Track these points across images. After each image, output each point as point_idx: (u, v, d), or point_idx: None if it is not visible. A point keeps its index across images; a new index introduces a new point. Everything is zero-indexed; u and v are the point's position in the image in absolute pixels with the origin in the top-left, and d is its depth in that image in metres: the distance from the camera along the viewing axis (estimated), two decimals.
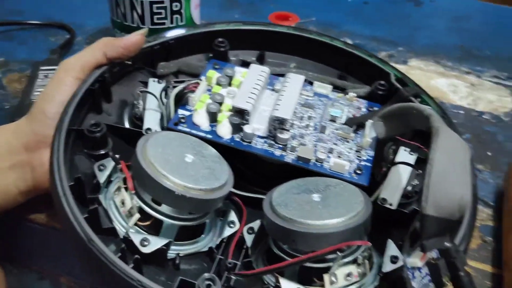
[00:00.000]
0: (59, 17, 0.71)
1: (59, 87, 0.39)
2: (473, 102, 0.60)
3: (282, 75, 0.45)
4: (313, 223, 0.32)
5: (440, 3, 0.86)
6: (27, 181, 0.39)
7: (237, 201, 0.39)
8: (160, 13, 0.56)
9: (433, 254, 0.29)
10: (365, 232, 0.33)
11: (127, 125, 0.43)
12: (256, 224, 0.37)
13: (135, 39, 0.42)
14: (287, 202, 0.34)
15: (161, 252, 0.33)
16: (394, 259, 0.33)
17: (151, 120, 0.41)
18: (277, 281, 0.32)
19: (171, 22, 0.57)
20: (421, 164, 0.37)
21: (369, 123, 0.40)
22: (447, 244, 0.28)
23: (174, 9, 0.56)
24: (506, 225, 0.41)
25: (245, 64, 0.48)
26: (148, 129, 0.40)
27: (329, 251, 0.31)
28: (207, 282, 0.31)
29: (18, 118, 0.45)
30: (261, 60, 0.49)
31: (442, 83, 0.63)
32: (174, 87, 0.42)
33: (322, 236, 0.32)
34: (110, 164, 0.37)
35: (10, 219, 0.42)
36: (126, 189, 0.35)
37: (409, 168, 0.38)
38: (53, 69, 0.55)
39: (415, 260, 0.30)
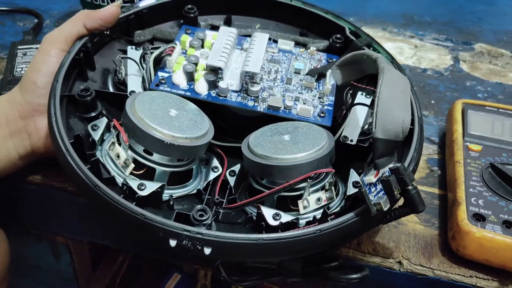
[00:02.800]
0: (23, 3, 0.73)
1: (46, 58, 0.42)
2: (417, 61, 0.66)
3: (249, 36, 0.49)
4: (286, 157, 0.37)
5: None
6: (25, 146, 0.42)
7: (217, 151, 0.44)
8: None
9: (386, 172, 0.34)
10: (330, 161, 0.38)
11: (111, 89, 0.46)
12: (236, 167, 0.42)
13: (111, 10, 0.44)
14: (262, 143, 0.39)
15: (156, 194, 0.37)
16: (356, 184, 0.39)
17: (133, 83, 0.44)
18: (259, 209, 0.36)
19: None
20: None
21: (328, 72, 0.44)
22: (397, 164, 0.34)
23: None
24: (448, 156, 0.48)
25: (214, 28, 0.51)
26: (132, 91, 0.43)
27: (301, 179, 0.36)
28: (200, 212, 0.35)
29: (4, 91, 0.48)
30: (228, 23, 0.52)
31: (389, 46, 0.69)
32: (152, 52, 0.45)
33: (294, 167, 0.36)
34: (102, 124, 0.40)
35: (7, 183, 0.44)
36: (120, 144, 0.38)
37: (366, 108, 0.43)
38: (29, 48, 0.57)
39: (370, 177, 0.35)
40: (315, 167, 0.37)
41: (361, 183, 0.37)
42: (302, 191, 0.37)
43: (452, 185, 0.44)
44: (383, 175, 0.34)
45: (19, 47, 0.57)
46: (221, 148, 0.44)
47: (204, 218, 0.35)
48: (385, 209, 0.33)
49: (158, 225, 0.32)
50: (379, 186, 0.34)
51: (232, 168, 0.42)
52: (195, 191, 0.41)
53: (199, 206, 0.36)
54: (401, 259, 0.40)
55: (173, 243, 0.32)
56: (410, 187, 0.33)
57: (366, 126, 0.42)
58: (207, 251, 0.32)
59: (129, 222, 0.33)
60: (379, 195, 0.34)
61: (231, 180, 0.41)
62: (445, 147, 0.50)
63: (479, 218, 0.40)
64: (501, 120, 0.49)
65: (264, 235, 0.33)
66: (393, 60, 0.46)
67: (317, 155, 0.37)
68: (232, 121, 0.46)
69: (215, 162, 0.43)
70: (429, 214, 0.44)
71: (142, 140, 0.37)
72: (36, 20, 0.68)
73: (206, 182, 0.41)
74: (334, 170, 0.38)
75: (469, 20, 0.77)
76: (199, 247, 0.32)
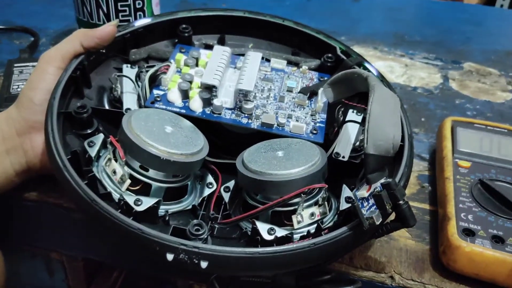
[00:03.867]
0: (20, 22, 0.74)
1: (43, 76, 0.42)
2: (408, 79, 0.68)
3: (242, 55, 0.50)
4: (280, 173, 0.38)
5: None
6: (21, 163, 0.43)
7: (212, 167, 0.44)
8: (124, 11, 0.60)
9: (378, 187, 0.35)
10: (322, 177, 0.39)
11: (107, 107, 0.46)
12: (231, 183, 0.43)
13: (108, 29, 0.45)
14: (256, 159, 0.39)
15: (153, 209, 0.37)
16: (348, 199, 0.40)
17: (129, 101, 0.45)
18: (254, 224, 0.37)
19: (135, 19, 0.60)
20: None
21: (320, 90, 0.45)
22: (388, 179, 0.34)
23: (137, 6, 0.59)
24: (438, 173, 0.49)
25: (208, 47, 0.52)
26: (128, 109, 0.44)
27: (295, 195, 0.37)
28: (196, 227, 0.36)
29: (0, 109, 0.48)
30: (222, 43, 0.53)
31: (380, 65, 0.70)
32: (147, 71, 0.46)
33: (288, 182, 0.37)
34: (98, 140, 0.41)
35: (1, 199, 0.44)
36: (116, 160, 0.39)
37: (357, 125, 0.44)
38: (26, 65, 0.58)
39: (363, 192, 0.36)
40: (308, 182, 0.37)
41: (353, 198, 0.37)
42: (296, 206, 0.38)
43: (442, 201, 0.45)
44: (375, 190, 0.35)
45: (15, 64, 0.58)
46: (215, 164, 0.44)
47: (200, 232, 0.36)
48: (378, 223, 0.34)
49: (155, 239, 0.33)
50: (371, 201, 0.35)
51: (226, 184, 0.43)
52: (190, 207, 0.41)
53: (195, 221, 0.37)
54: (393, 273, 0.41)
55: (170, 257, 0.33)
56: (401, 202, 0.34)
57: (358, 143, 0.43)
58: (204, 264, 0.33)
59: (126, 237, 0.34)
60: (371, 209, 0.34)
61: (226, 196, 0.42)
62: (435, 163, 0.51)
63: (468, 233, 0.40)
64: (490, 137, 0.50)
65: (260, 249, 0.33)
66: (382, 79, 0.47)
67: (310, 170, 0.38)
68: (227, 138, 0.47)
69: (210, 179, 0.43)
70: (420, 229, 0.45)
71: (139, 156, 0.38)
72: (32, 39, 0.69)
73: (201, 198, 0.42)
74: (327, 185, 0.39)
75: (458, 40, 0.79)
76: (196, 261, 0.32)
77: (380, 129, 0.36)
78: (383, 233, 0.35)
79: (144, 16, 0.61)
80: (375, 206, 0.34)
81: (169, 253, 0.33)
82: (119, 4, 0.59)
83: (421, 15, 0.90)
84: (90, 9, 0.59)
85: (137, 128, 0.38)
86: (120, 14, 0.60)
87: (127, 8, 0.60)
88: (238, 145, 0.43)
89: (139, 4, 0.60)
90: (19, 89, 0.55)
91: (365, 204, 0.35)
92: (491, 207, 0.43)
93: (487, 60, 0.73)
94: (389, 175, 0.38)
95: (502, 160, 0.47)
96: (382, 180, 0.35)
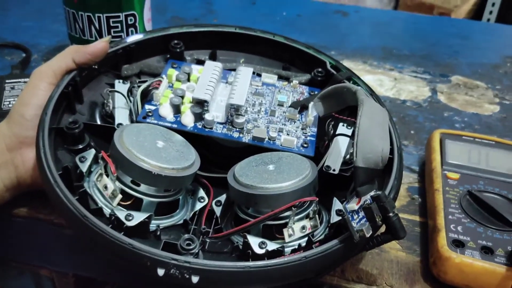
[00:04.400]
0: (12, 38, 0.74)
1: (34, 92, 0.43)
2: (397, 92, 0.69)
3: (234, 70, 0.50)
4: (271, 186, 0.38)
5: (364, 13, 0.96)
6: (12, 179, 0.42)
7: (204, 182, 0.44)
8: (116, 27, 0.60)
9: (368, 200, 0.35)
10: (313, 190, 0.39)
11: (99, 122, 0.47)
12: (222, 198, 0.43)
13: (100, 46, 0.45)
14: (248, 173, 0.40)
15: (144, 224, 0.37)
16: (339, 212, 0.40)
17: (121, 116, 0.45)
18: (245, 238, 0.37)
19: (127, 35, 0.61)
20: None
21: (311, 104, 0.46)
22: (378, 192, 0.35)
23: (129, 22, 0.60)
24: (427, 184, 0.49)
25: (200, 62, 0.52)
26: (120, 124, 0.44)
27: (286, 208, 0.37)
28: (187, 241, 0.36)
29: None
30: (213, 58, 0.54)
31: (370, 79, 0.71)
32: (139, 86, 0.46)
33: (279, 196, 0.37)
34: (90, 155, 0.41)
35: None
36: (107, 175, 0.39)
37: (347, 139, 0.44)
38: (17, 82, 0.58)
39: (353, 205, 0.36)
40: (299, 195, 0.38)
41: (344, 211, 0.38)
42: (287, 220, 0.38)
43: (432, 212, 0.45)
44: (365, 203, 0.35)
45: (7, 81, 0.58)
46: (207, 178, 0.45)
47: (191, 247, 0.36)
48: (368, 235, 0.34)
49: (146, 254, 0.33)
50: (362, 213, 0.35)
51: (218, 198, 0.43)
52: (181, 221, 0.41)
53: (186, 236, 0.37)
54: (385, 285, 0.41)
55: (161, 272, 0.33)
56: (391, 214, 0.34)
57: (348, 156, 0.43)
58: (195, 279, 0.32)
59: (117, 252, 0.34)
60: (361, 222, 0.35)
61: (217, 210, 0.42)
62: (425, 175, 0.51)
63: (458, 244, 0.41)
64: (478, 149, 0.51)
65: (251, 263, 0.33)
66: (372, 93, 0.48)
67: (301, 184, 0.38)
68: (218, 152, 0.47)
69: (201, 193, 0.44)
70: (410, 241, 0.45)
71: (130, 171, 0.38)
72: (24, 55, 0.69)
73: (192, 213, 0.42)
74: (318, 198, 0.39)
75: (445, 54, 0.80)
76: (187, 276, 0.32)
77: (369, 142, 0.36)
78: (374, 245, 0.35)
79: (136, 32, 0.62)
80: (365, 219, 0.34)
81: (160, 268, 0.33)
82: (111, 20, 0.59)
83: (409, 30, 0.91)
84: (82, 25, 0.60)
85: (129, 143, 0.38)
86: (112, 30, 0.60)
87: (119, 24, 0.60)
88: (230, 159, 0.44)
89: (131, 20, 0.61)
90: (10, 105, 0.55)
91: (355, 216, 0.35)
92: (480, 218, 0.43)
93: (474, 73, 0.75)
94: (379, 187, 0.39)
95: (490, 171, 0.48)
96: (372, 193, 0.35)
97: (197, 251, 0.36)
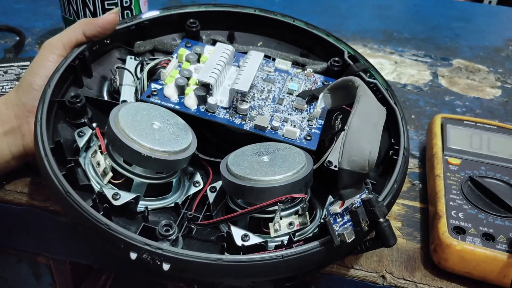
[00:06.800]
0: (5, 21, 0.72)
1: (43, 63, 0.43)
2: (398, 76, 0.68)
3: None
4: (259, 179, 0.37)
5: None
6: (18, 146, 0.43)
7: (204, 165, 0.44)
8: (111, 9, 0.59)
9: (356, 203, 0.33)
10: (305, 186, 0.38)
11: (106, 97, 0.46)
12: (218, 184, 0.42)
13: (110, 18, 0.45)
14: (240, 162, 0.38)
15: (130, 205, 0.37)
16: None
17: (126, 93, 0.44)
18: (229, 228, 0.36)
19: (122, 18, 0.59)
20: None
21: (321, 95, 0.44)
22: (369, 195, 0.33)
23: (125, 5, 0.59)
24: (428, 170, 0.48)
25: (216, 43, 0.49)
26: (124, 101, 0.44)
27: (271, 203, 0.36)
28: (166, 227, 0.35)
29: None
30: (231, 39, 0.52)
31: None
32: (148, 63, 0.45)
33: (266, 189, 0.36)
34: (89, 131, 0.41)
35: None
36: (102, 152, 0.39)
37: None
38: (11, 66, 0.57)
39: (335, 207, 0.34)
40: (288, 191, 0.36)
41: (326, 213, 0.36)
42: (275, 215, 0.37)
43: (432, 198, 0.44)
44: (353, 206, 0.33)
45: (0, 65, 0.57)
46: (208, 162, 0.44)
47: (169, 233, 0.35)
48: (349, 240, 0.32)
49: (121, 237, 0.33)
50: (346, 217, 0.34)
51: (213, 184, 0.42)
52: (173, 204, 0.41)
53: (164, 222, 0.36)
54: (384, 273, 0.40)
55: (133, 256, 0.32)
56: (381, 220, 0.32)
57: None
58: (166, 267, 0.32)
59: (94, 232, 0.34)
60: (345, 225, 0.33)
61: (211, 197, 0.41)
62: (426, 161, 0.50)
63: (459, 231, 0.40)
64: (479, 134, 0.50)
65: (224, 256, 0.33)
66: (388, 88, 0.46)
67: (292, 179, 0.37)
68: (222, 136, 0.46)
69: (198, 177, 0.43)
70: (411, 228, 0.45)
71: (121, 150, 0.38)
72: (17, 38, 0.68)
73: (185, 197, 0.41)
74: (307, 196, 0.38)
75: (447, 37, 0.79)
76: (158, 263, 0.32)
77: (356, 144, 0.34)
78: (362, 250, 0.34)
79: (132, 14, 0.60)
80: (350, 223, 0.33)
81: (133, 252, 0.32)
82: (105, 2, 0.58)
83: (410, 12, 0.90)
84: (76, 8, 0.58)
85: (123, 122, 0.38)
86: (107, 12, 0.59)
87: (114, 7, 0.59)
88: (232, 143, 0.43)
89: (126, 2, 0.59)
90: (3, 90, 0.54)
91: (339, 220, 0.34)
92: (481, 204, 0.42)
93: (476, 57, 0.74)
94: (377, 189, 0.37)
95: (491, 156, 0.47)
96: (364, 196, 0.34)
97: (174, 237, 0.35)
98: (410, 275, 0.40)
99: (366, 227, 0.32)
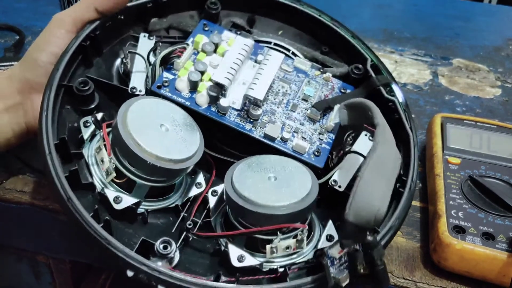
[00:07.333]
0: (4, 20, 0.72)
1: (50, 38, 0.41)
2: (398, 75, 0.68)
3: (268, 43, 0.46)
4: (263, 204, 0.36)
5: None
6: (20, 123, 0.41)
7: (209, 160, 0.42)
8: None
9: (356, 245, 0.33)
10: (307, 214, 0.37)
11: (115, 78, 0.44)
12: (220, 188, 0.41)
13: None
14: (245, 180, 0.37)
15: (131, 209, 0.37)
16: (329, 238, 0.38)
17: (137, 80, 0.43)
18: (226, 247, 0.36)
19: None
20: None
21: (336, 107, 0.42)
22: (369, 238, 0.32)
23: None
24: (428, 169, 0.48)
25: (235, 26, 0.48)
26: (133, 87, 0.42)
27: (272, 229, 0.36)
28: (164, 244, 0.35)
29: None
30: (250, 23, 0.49)
31: None
32: (163, 43, 0.43)
33: (267, 216, 0.35)
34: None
35: None
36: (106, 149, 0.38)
37: (361, 159, 0.40)
38: (10, 65, 0.57)
39: (334, 252, 0.34)
40: (289, 219, 0.36)
41: (324, 255, 0.34)
42: (274, 236, 0.36)
43: (432, 198, 0.44)
44: (352, 248, 0.33)
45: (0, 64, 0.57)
46: (212, 157, 0.43)
47: (167, 251, 0.35)
48: (343, 285, 0.32)
49: (119, 254, 0.33)
50: (344, 259, 0.33)
51: (215, 188, 0.41)
52: (173, 205, 0.40)
53: (163, 238, 0.35)
54: None
55: (130, 274, 0.32)
56: (378, 263, 0.32)
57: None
58: None
59: (92, 242, 0.33)
60: (341, 268, 0.33)
61: (212, 201, 0.40)
62: (426, 160, 0.50)
63: (459, 230, 0.40)
64: (479, 133, 0.50)
65: (218, 284, 0.33)
66: (406, 109, 0.44)
67: (295, 207, 0.36)
68: (231, 136, 0.44)
69: (200, 178, 0.42)
70: (410, 227, 0.45)
71: (126, 154, 0.37)
72: (17, 37, 0.68)
73: (186, 198, 0.41)
74: (307, 227, 0.37)
75: (447, 36, 0.79)
76: (154, 284, 0.32)
77: (366, 200, 0.33)
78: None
79: None
80: (346, 264, 0.33)
81: (130, 270, 0.32)
82: None
83: (410, 12, 0.90)
84: None
85: (131, 124, 0.37)
86: None
87: None
88: (240, 142, 0.42)
89: None
90: None
91: (336, 262, 0.34)
92: (481, 203, 0.42)
93: (476, 56, 0.73)
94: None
95: (491, 156, 0.47)
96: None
97: (172, 255, 0.35)
98: (410, 274, 0.40)
99: (360, 271, 0.32)
